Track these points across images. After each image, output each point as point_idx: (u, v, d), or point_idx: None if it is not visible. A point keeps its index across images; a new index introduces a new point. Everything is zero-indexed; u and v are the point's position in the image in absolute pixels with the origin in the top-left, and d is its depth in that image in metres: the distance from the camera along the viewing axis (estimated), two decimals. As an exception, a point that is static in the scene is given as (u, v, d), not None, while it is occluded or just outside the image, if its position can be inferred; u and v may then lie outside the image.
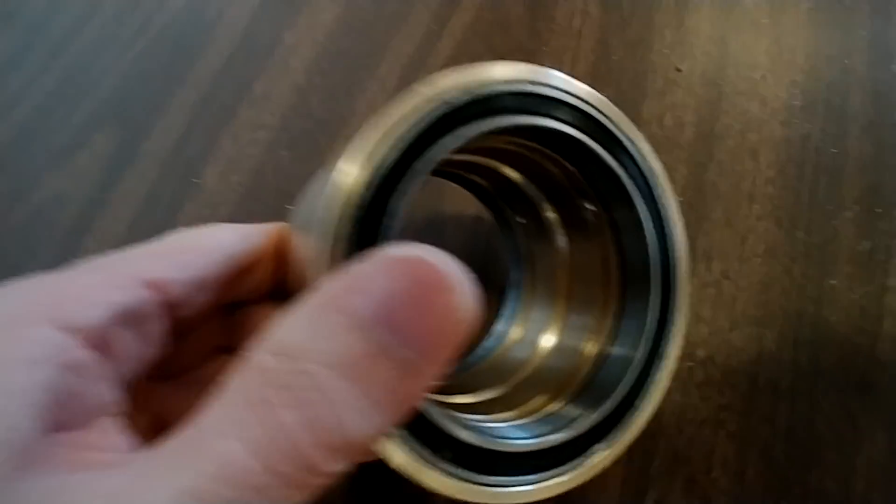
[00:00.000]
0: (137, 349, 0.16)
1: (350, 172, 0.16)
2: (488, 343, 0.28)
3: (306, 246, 0.17)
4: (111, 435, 0.14)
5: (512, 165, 0.25)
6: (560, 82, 0.19)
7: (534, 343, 0.26)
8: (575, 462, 0.19)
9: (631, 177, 0.21)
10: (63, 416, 0.13)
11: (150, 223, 0.35)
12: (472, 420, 0.20)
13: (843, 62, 0.35)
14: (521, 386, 0.25)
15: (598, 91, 0.29)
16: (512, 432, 0.20)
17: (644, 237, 0.21)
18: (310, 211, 0.18)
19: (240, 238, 0.19)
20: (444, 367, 0.12)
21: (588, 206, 0.23)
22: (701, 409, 0.26)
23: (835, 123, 0.32)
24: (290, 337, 0.12)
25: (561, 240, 0.26)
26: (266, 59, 0.45)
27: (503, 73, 0.18)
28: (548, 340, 0.25)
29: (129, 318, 0.16)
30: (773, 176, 0.31)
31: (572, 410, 0.20)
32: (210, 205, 0.28)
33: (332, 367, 0.11)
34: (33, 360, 0.13)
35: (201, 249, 0.18)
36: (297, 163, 0.37)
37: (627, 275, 0.22)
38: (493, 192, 0.28)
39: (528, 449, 0.18)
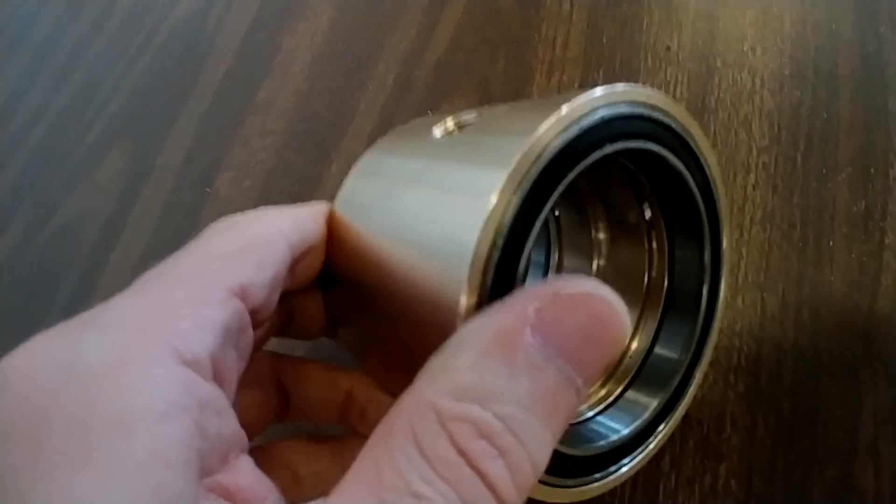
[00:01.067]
0: (238, 368, 0.15)
1: (501, 196, 0.14)
2: None
3: (419, 263, 0.16)
4: (247, 472, 0.13)
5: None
6: (659, 100, 0.18)
7: None
8: (646, 443, 0.21)
9: (707, 211, 0.21)
10: (207, 463, 0.11)
11: (171, 233, 0.36)
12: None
13: (830, 28, 0.35)
14: None
15: (591, 72, 0.29)
16: (605, 425, 0.21)
17: (703, 272, 0.21)
18: (404, 215, 0.17)
19: (295, 224, 0.17)
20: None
21: (646, 213, 0.23)
22: (710, 373, 0.26)
23: (825, 89, 0.33)
24: (470, 379, 0.11)
25: (602, 242, 0.26)
26: (267, 65, 0.45)
27: (620, 95, 0.17)
28: None
29: (231, 335, 0.14)
30: (767, 145, 0.32)
31: (636, 396, 0.22)
32: (225, 211, 0.29)
33: (528, 407, 0.11)
34: (168, 410, 0.11)
35: (269, 243, 0.16)
36: (306, 165, 0.37)
37: (674, 295, 0.23)
38: None
39: (625, 440, 0.20)
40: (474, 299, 0.14)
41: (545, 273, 0.28)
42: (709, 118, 0.33)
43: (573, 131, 0.15)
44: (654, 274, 0.24)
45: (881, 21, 0.34)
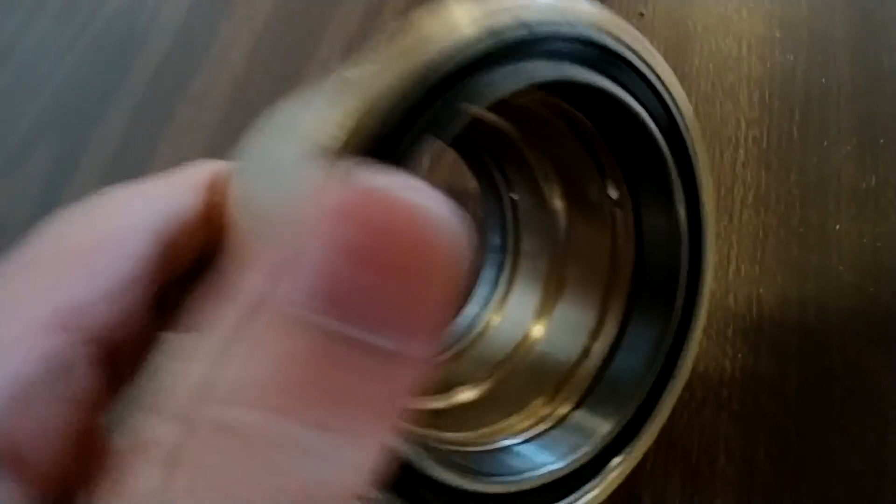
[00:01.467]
0: (67, 419, 0.12)
1: (353, 106, 0.11)
2: (456, 330, 0.24)
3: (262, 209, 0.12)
4: None
5: (521, 125, 0.20)
6: (632, 39, 0.15)
7: (519, 333, 0.22)
8: (595, 480, 0.16)
9: (679, 172, 0.17)
10: None
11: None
12: (474, 449, 0.16)
13: (824, -16, 0.30)
14: (511, 381, 0.21)
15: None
16: (533, 453, 0.16)
17: (678, 241, 0.17)
18: (271, 159, 0.13)
19: (163, 205, 0.14)
20: (432, 347, 0.08)
21: (610, 190, 0.19)
22: (698, 388, 0.22)
23: (821, 51, 0.28)
24: (193, 378, 0.07)
25: (560, 220, 0.22)
26: (203, 55, 0.41)
27: (579, 9, 0.14)
28: (537, 332, 0.21)
29: (41, 388, 0.11)
30: (757, 116, 0.27)
31: (586, 418, 0.18)
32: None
33: (268, 407, 0.07)
34: None
35: (114, 240, 0.13)
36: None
37: (646, 275, 0.18)
38: (483, 151, 0.23)
39: (555, 477, 0.15)
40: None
41: (502, 257, 0.23)
42: (688, 89, 0.28)
43: (486, 42, 0.12)
44: (618, 258, 0.19)
45: (882, -26, 0.30)
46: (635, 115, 0.15)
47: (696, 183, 0.17)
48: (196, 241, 0.15)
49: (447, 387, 0.21)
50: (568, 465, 0.15)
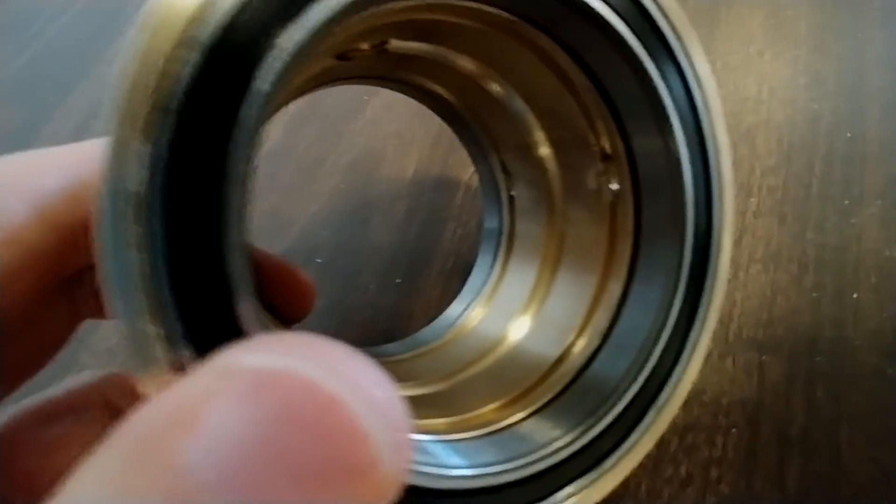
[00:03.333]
0: None
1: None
2: (438, 325, 0.21)
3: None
4: None
5: (482, 61, 0.18)
6: None
7: (495, 333, 0.19)
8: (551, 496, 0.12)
9: (675, 103, 0.14)
10: None
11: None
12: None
13: (854, 35, 0.28)
14: (470, 383, 0.18)
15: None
16: (444, 453, 0.13)
17: (682, 204, 0.14)
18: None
19: (65, 179, 0.12)
20: None
21: (601, 140, 0.17)
22: (683, 464, 0.18)
23: (848, 104, 0.26)
24: None
25: (550, 169, 0.19)
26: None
27: None
28: (516, 331, 0.19)
29: None
30: (775, 164, 0.24)
31: (537, 427, 0.15)
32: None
33: None
34: None
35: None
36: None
37: (640, 258, 0.16)
38: (462, 108, 0.21)
39: (466, 486, 0.12)
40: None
41: (497, 244, 0.21)
42: (702, 126, 0.25)
43: None
44: (615, 194, 0.17)
45: (917, 32, 0.27)
46: (605, 22, 0.13)
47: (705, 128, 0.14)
48: None
49: (412, 377, 0.18)
50: (472, 474, 0.12)
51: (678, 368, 0.14)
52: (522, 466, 0.13)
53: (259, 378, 0.07)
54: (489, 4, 0.14)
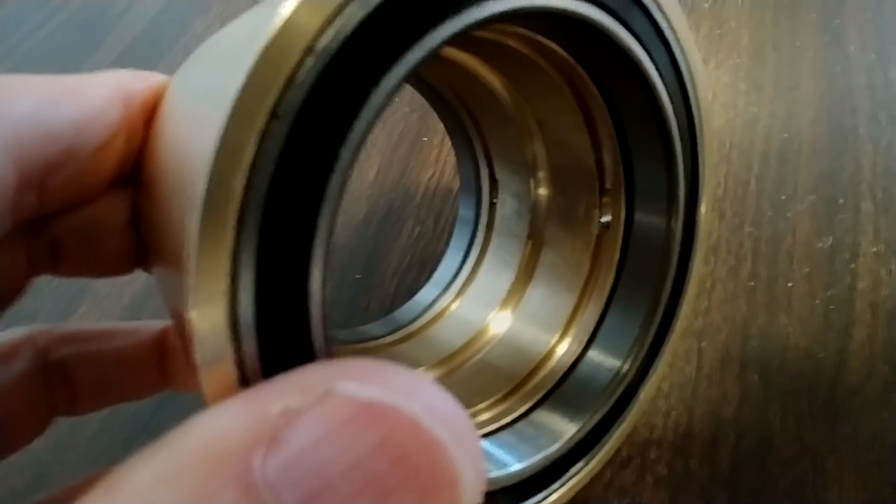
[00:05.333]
0: None
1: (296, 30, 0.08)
2: (413, 307, 0.21)
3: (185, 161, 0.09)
4: None
5: (493, 63, 0.18)
6: None
7: (477, 323, 0.19)
8: (550, 489, 0.14)
9: (676, 116, 0.14)
10: None
11: None
12: None
13: (793, 45, 0.29)
14: (462, 377, 0.18)
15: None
16: (490, 454, 0.14)
17: (675, 209, 0.15)
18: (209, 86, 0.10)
19: (45, 108, 0.11)
20: None
21: (605, 175, 0.17)
22: (623, 447, 0.19)
23: (784, 108, 0.27)
24: None
25: (542, 192, 0.20)
26: (171, 46, 0.39)
27: None
28: (499, 324, 0.19)
29: None
30: (716, 164, 0.25)
31: (547, 418, 0.16)
32: None
33: None
34: None
35: None
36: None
37: (629, 256, 0.17)
38: (465, 114, 0.21)
39: (518, 479, 0.13)
40: (218, 284, 0.08)
41: (471, 235, 0.21)
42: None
43: None
44: (605, 227, 0.17)
45: (849, 41, 0.29)
46: (638, 67, 0.13)
47: (698, 179, 0.15)
48: (100, 166, 0.12)
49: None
50: (526, 467, 0.13)
51: (656, 363, 0.16)
52: (548, 455, 0.14)
53: (360, 408, 0.07)
54: (562, 46, 0.14)
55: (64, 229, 0.13)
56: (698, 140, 0.15)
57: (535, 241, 0.20)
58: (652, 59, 0.13)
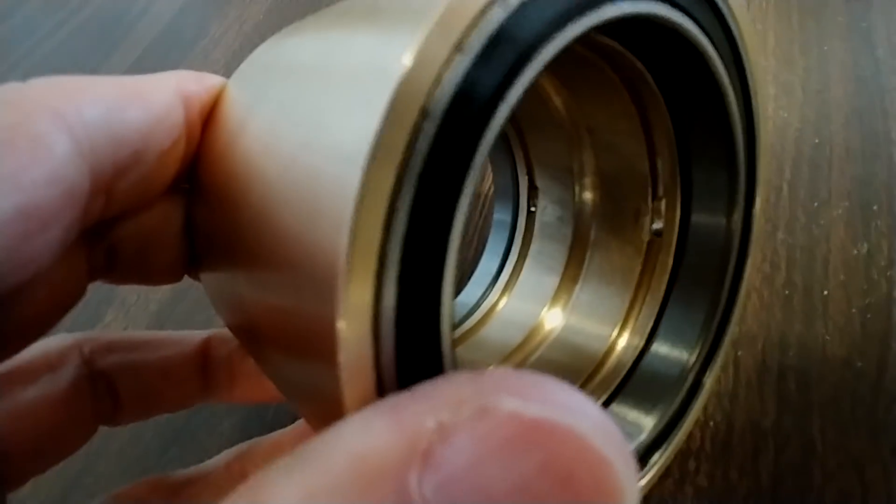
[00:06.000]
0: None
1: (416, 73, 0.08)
2: (458, 308, 0.21)
3: (292, 192, 0.09)
4: None
5: (567, 86, 0.18)
6: None
7: (531, 318, 0.19)
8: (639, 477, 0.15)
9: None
10: None
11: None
12: None
13: (820, 48, 0.29)
14: (533, 370, 0.18)
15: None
16: None
17: (735, 209, 0.15)
18: (286, 104, 0.10)
19: (114, 110, 0.10)
20: None
21: (658, 182, 0.17)
22: (662, 456, 0.19)
23: (814, 111, 0.27)
24: None
25: (588, 198, 0.19)
26: (188, 50, 0.39)
27: None
28: (552, 321, 0.19)
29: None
30: (769, 161, 0.25)
31: (623, 412, 0.16)
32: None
33: None
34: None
35: (35, 145, 0.09)
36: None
37: (685, 258, 0.17)
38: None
39: None
40: (363, 285, 0.08)
41: (511, 236, 0.21)
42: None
43: None
44: (656, 234, 0.17)
45: (877, 44, 0.28)
46: (712, 72, 0.13)
47: (755, 174, 0.15)
48: (163, 170, 0.12)
49: None
50: None
51: (719, 351, 0.16)
52: (633, 450, 0.14)
53: (525, 425, 0.06)
54: (627, 47, 0.14)
55: (122, 235, 0.13)
56: (757, 138, 0.15)
57: (580, 246, 0.20)
58: (721, 57, 0.13)
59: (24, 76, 0.36)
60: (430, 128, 0.08)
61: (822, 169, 0.25)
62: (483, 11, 0.08)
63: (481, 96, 0.09)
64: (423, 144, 0.08)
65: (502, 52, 0.09)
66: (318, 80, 0.10)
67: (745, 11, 0.14)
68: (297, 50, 0.12)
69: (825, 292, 0.21)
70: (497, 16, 0.09)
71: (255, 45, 0.45)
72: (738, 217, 0.15)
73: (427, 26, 0.08)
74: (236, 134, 0.11)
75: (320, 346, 0.08)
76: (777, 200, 0.24)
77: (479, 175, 0.09)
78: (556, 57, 0.10)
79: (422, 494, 0.06)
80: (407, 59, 0.08)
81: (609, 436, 0.07)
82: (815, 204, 0.24)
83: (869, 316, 0.21)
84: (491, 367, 0.08)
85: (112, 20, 0.42)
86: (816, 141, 0.26)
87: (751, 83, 0.15)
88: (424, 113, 0.08)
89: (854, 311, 0.21)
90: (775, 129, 0.26)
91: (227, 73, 0.41)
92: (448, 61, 0.08)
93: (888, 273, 0.21)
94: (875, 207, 0.23)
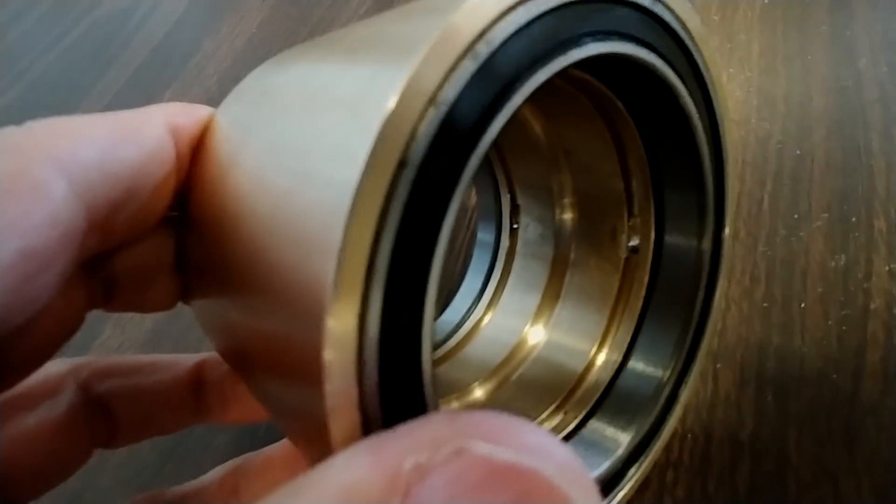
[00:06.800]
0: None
1: (398, 115, 0.09)
2: (442, 326, 0.21)
3: (280, 222, 0.10)
4: None
5: (543, 111, 0.19)
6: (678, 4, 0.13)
7: (514, 335, 0.20)
8: (613, 494, 0.15)
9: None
10: None
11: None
12: None
13: (804, 58, 0.29)
14: (512, 389, 0.19)
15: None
16: None
17: (705, 231, 0.16)
18: (274, 133, 0.11)
19: (106, 147, 0.11)
20: None
21: (633, 200, 0.18)
22: (641, 469, 0.19)
23: (796, 124, 0.27)
24: None
25: (567, 217, 0.20)
26: (181, 66, 0.39)
27: None
28: (536, 334, 0.20)
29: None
30: (736, 186, 0.26)
31: (601, 428, 0.17)
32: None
33: None
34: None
35: (30, 186, 0.10)
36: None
37: (660, 276, 0.17)
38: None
39: None
40: (349, 318, 0.08)
41: (493, 256, 0.22)
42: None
43: (524, 13, 0.10)
44: (633, 251, 0.18)
45: (860, 54, 0.29)
46: (679, 101, 0.14)
47: (724, 198, 0.16)
48: (156, 203, 0.12)
49: (441, 394, 0.19)
50: (597, 476, 0.15)
51: (692, 366, 0.17)
52: (611, 465, 0.15)
53: (496, 468, 0.07)
54: (603, 81, 0.15)
55: (118, 267, 0.13)
56: (725, 164, 0.16)
57: (561, 264, 0.20)
58: (690, 93, 0.14)
59: (22, 93, 0.37)
60: (407, 176, 0.09)
61: (803, 181, 0.25)
62: (455, 65, 0.09)
63: (454, 146, 0.09)
64: (402, 192, 0.09)
65: (474, 101, 0.09)
66: (303, 123, 0.11)
67: (707, 40, 0.14)
68: (283, 87, 0.12)
69: (803, 305, 0.22)
70: (468, 68, 0.09)
71: (248, 60, 0.46)
72: (708, 240, 0.16)
73: (403, 80, 0.09)
74: (226, 169, 0.12)
75: (308, 373, 0.09)
76: (758, 213, 0.25)
77: (455, 216, 0.09)
78: (527, 100, 0.10)
79: None
80: (384, 114, 0.08)
81: (574, 475, 0.07)
82: (795, 216, 0.24)
83: (845, 328, 0.21)
84: (468, 410, 0.09)
85: (108, 36, 0.43)
86: (798, 153, 0.26)
87: (717, 109, 0.15)
88: (403, 164, 0.09)
89: (831, 323, 0.21)
90: (757, 140, 0.27)
91: (220, 87, 0.42)
92: (423, 115, 0.09)
93: (865, 285, 0.22)
94: (853, 220, 0.24)
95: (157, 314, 0.27)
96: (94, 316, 0.28)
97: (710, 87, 0.15)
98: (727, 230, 0.16)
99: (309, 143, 0.10)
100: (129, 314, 0.27)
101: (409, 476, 0.07)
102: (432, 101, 0.09)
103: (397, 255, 0.09)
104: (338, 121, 0.09)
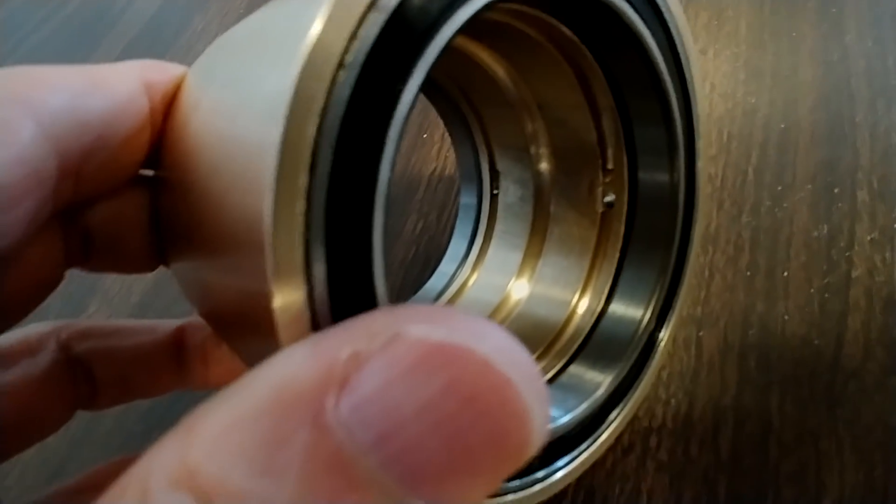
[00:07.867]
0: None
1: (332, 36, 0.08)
2: (435, 283, 0.21)
3: (224, 155, 0.10)
4: None
5: (494, 46, 0.18)
6: None
7: (499, 291, 0.20)
8: (596, 434, 0.16)
9: (671, 79, 0.15)
10: None
11: None
12: None
13: (790, 34, 0.29)
14: None
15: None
16: None
17: (677, 164, 0.16)
18: (225, 76, 0.11)
19: (79, 97, 0.11)
20: None
21: (607, 154, 0.18)
22: (624, 432, 0.19)
23: (782, 97, 0.27)
24: (204, 458, 0.06)
25: (545, 175, 0.20)
26: (171, 43, 0.39)
27: None
28: (520, 289, 0.20)
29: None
30: (715, 154, 0.26)
31: (581, 371, 0.17)
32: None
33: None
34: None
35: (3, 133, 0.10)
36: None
37: (636, 223, 0.18)
38: (464, 104, 0.21)
39: (567, 431, 0.15)
40: (295, 250, 0.08)
41: (477, 214, 0.22)
42: (648, 120, 0.26)
43: None
44: (608, 205, 0.18)
45: (847, 29, 0.29)
46: (638, 37, 0.14)
47: (694, 127, 0.16)
48: (136, 149, 0.12)
49: None
50: (573, 419, 0.14)
51: (672, 308, 0.17)
52: (590, 405, 0.15)
53: (430, 349, 0.06)
54: (567, 25, 0.15)
55: (94, 220, 0.13)
56: (692, 97, 0.16)
57: (541, 222, 0.20)
58: (651, 32, 0.14)
59: None
60: (348, 78, 0.08)
61: (789, 153, 0.25)
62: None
63: (399, 48, 0.09)
64: (343, 93, 0.08)
65: (418, 9, 0.09)
66: (252, 52, 0.11)
67: None
68: (241, 29, 0.12)
69: (786, 273, 0.22)
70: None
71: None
72: (680, 173, 0.16)
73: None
74: (187, 120, 0.12)
75: (263, 318, 0.08)
76: (742, 184, 0.24)
77: (403, 125, 0.09)
78: (471, 18, 0.10)
79: (337, 417, 0.06)
80: (321, 20, 0.08)
81: (513, 357, 0.07)
82: (780, 188, 0.24)
83: (827, 295, 0.21)
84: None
85: (96, 15, 0.42)
86: (783, 125, 0.26)
87: (679, 40, 0.15)
88: (341, 65, 0.08)
89: (813, 290, 0.21)
90: (743, 113, 0.27)
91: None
92: (363, 18, 0.09)
93: (847, 254, 0.22)
94: (836, 190, 0.23)
95: (143, 288, 0.27)
96: (80, 290, 0.28)
97: (668, 20, 0.15)
98: (700, 163, 0.16)
99: (254, 67, 0.10)
100: (116, 288, 0.27)
101: (347, 366, 0.07)
102: (373, 5, 0.09)
103: (340, 156, 0.08)
104: (280, 40, 0.09)
